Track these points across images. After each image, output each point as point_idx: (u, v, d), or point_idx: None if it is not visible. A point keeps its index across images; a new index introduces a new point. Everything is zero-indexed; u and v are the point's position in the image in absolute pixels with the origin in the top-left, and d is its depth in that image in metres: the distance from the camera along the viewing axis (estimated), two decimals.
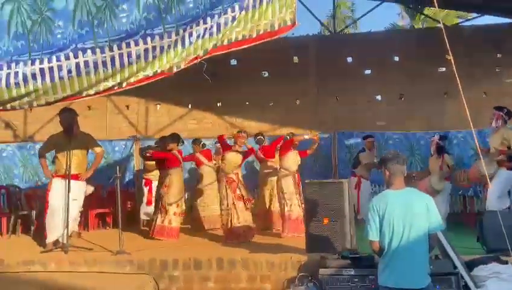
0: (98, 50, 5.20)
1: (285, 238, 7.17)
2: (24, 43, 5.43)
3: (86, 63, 5.22)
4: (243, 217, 7.06)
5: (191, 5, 5.13)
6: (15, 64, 5.35)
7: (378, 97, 11.50)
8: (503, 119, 6.77)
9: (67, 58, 5.22)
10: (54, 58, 5.27)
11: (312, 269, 4.96)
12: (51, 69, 5.25)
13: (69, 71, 5.22)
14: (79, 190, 6.60)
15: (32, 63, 5.30)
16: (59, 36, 5.36)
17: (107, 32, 5.24)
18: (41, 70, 5.26)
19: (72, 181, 6.29)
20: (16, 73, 5.30)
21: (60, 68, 5.24)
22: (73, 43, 5.28)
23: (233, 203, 7.08)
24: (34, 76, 5.25)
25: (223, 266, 5.43)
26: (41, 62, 5.29)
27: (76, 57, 5.21)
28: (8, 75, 5.31)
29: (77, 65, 5.23)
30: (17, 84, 5.29)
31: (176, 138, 7.95)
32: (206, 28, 5.00)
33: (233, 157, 7.45)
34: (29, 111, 11.39)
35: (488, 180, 5.93)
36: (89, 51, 5.20)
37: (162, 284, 5.43)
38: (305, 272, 5.03)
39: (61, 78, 5.23)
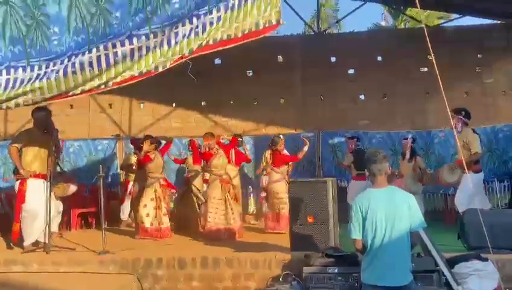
0: (86, 52, 5.23)
1: (270, 236, 7.21)
2: (21, 49, 5.52)
3: (73, 64, 5.25)
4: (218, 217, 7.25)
5: (177, 6, 5.15)
6: (14, 70, 5.45)
7: (362, 96, 11.58)
8: (463, 122, 6.76)
9: (62, 63, 5.28)
10: (51, 64, 5.34)
11: (296, 268, 4.99)
12: (45, 73, 5.29)
13: (56, 72, 5.25)
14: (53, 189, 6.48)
15: (32, 70, 5.37)
16: (55, 43, 5.47)
17: (100, 37, 5.33)
18: (38, 75, 5.31)
19: (47, 181, 6.16)
20: (16, 79, 5.40)
21: (51, 71, 5.28)
22: (69, 50, 5.38)
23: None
24: (30, 80, 5.30)
25: (208, 265, 5.42)
26: (39, 68, 5.35)
27: (69, 60, 5.27)
28: (8, 80, 5.39)
29: (65, 66, 5.25)
30: (13, 87, 5.32)
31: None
32: (191, 28, 5.02)
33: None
34: (10, 110, 11.23)
35: (453, 186, 5.94)
36: (80, 55, 5.25)
37: (145, 283, 5.41)
38: (289, 270, 5.05)
39: (48, 78, 5.25)
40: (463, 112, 6.79)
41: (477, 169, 6.67)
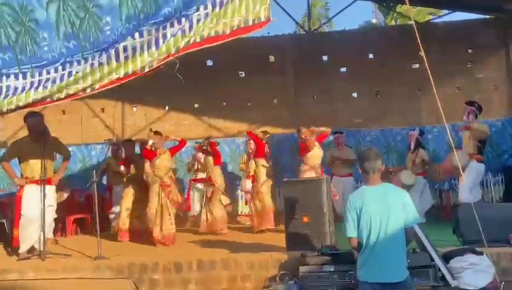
0: (82, 61, 5.21)
1: (266, 236, 7.22)
2: (11, 55, 5.48)
3: (69, 72, 5.22)
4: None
5: (164, 5, 5.13)
6: (6, 78, 5.42)
7: (355, 95, 11.61)
8: (474, 114, 6.98)
9: (56, 71, 5.25)
10: (44, 72, 5.29)
11: (292, 267, 4.98)
12: (39, 81, 5.25)
13: (53, 81, 5.24)
14: (54, 195, 6.46)
15: (24, 77, 5.31)
16: (46, 49, 5.43)
17: (93, 45, 5.29)
18: (32, 83, 5.27)
19: (47, 186, 6.15)
20: (8, 86, 5.35)
21: (46, 80, 5.25)
22: (62, 57, 5.34)
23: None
24: (24, 88, 5.26)
25: (204, 268, 5.40)
26: (32, 76, 5.29)
27: (64, 69, 5.24)
28: (0, 88, 5.31)
29: (61, 75, 5.24)
30: (6, 96, 5.29)
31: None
32: (179, 28, 4.98)
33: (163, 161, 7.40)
34: (1, 117, 11.17)
35: (461, 171, 6.06)
36: (75, 63, 5.22)
37: (142, 288, 5.36)
38: (286, 270, 5.04)
39: (44, 88, 5.24)
40: (476, 104, 7.01)
41: (480, 159, 6.82)
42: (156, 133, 7.60)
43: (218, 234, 7.82)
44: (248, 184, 8.94)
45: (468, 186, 6.67)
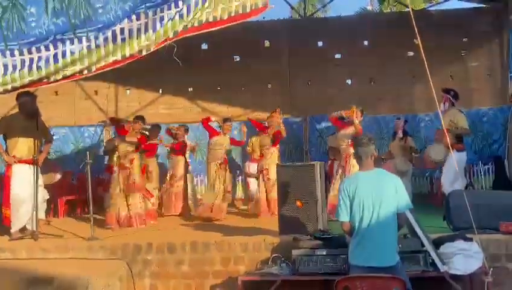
0: (76, 40, 5.13)
1: (259, 220, 7.27)
2: None
3: (63, 52, 5.13)
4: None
5: None
6: None
7: (349, 81, 11.61)
8: (451, 102, 6.96)
9: (47, 49, 5.15)
10: (33, 49, 5.18)
11: (285, 250, 5.02)
12: (31, 60, 5.16)
13: (46, 60, 5.14)
14: (40, 176, 6.43)
15: (12, 54, 5.20)
16: (33, 25, 5.29)
17: (85, 24, 5.18)
18: (23, 61, 5.17)
19: (33, 167, 6.10)
20: None
21: (38, 58, 5.16)
22: (51, 34, 5.22)
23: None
24: (14, 67, 5.17)
25: (197, 249, 5.44)
26: (20, 53, 5.18)
27: (56, 48, 5.14)
28: None
29: (54, 54, 5.15)
30: None
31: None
32: (177, 11, 4.94)
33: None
34: None
35: (455, 156, 6.09)
36: (68, 42, 5.13)
37: (135, 268, 5.40)
38: (279, 253, 5.08)
39: (39, 68, 5.16)
40: (452, 92, 6.99)
41: (460, 148, 6.84)
42: (138, 117, 7.74)
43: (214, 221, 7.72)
44: (252, 168, 8.77)
45: (450, 178, 6.69)
